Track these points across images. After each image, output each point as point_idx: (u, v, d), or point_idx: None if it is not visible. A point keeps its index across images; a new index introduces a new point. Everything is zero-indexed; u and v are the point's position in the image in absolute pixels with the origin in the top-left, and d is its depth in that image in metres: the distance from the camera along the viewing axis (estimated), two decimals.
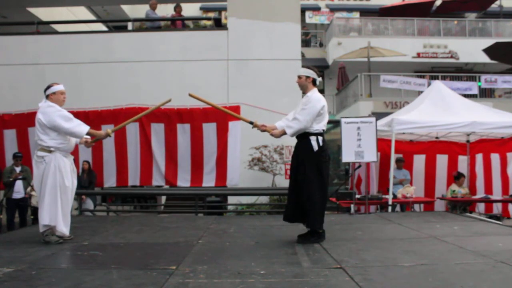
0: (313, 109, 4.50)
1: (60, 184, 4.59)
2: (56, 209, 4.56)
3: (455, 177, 8.78)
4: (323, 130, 4.65)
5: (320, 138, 4.56)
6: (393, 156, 7.75)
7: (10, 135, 8.65)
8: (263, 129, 4.78)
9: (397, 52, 16.70)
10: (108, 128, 5.29)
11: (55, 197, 4.57)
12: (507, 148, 8.61)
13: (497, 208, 8.76)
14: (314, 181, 4.47)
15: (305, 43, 19.95)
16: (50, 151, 4.62)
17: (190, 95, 5.13)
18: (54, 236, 4.60)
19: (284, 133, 4.65)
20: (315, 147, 4.52)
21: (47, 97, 4.77)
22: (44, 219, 4.54)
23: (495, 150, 8.83)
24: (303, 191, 4.51)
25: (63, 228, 4.63)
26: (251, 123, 4.83)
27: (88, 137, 4.96)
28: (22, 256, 3.98)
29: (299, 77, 4.71)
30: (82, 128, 4.69)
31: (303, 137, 4.61)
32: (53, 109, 4.66)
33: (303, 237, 4.55)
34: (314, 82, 4.69)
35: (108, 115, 8.49)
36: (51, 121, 4.60)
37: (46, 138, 4.62)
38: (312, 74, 4.68)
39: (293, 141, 4.79)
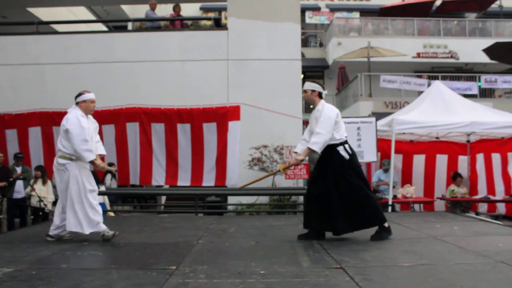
0: (329, 119, 4.55)
1: (85, 190, 4.63)
2: (84, 215, 4.61)
3: (452, 177, 8.80)
4: (346, 137, 4.68)
5: (347, 146, 4.63)
6: (393, 157, 7.75)
7: (11, 135, 8.67)
8: (289, 165, 4.89)
9: (397, 52, 16.68)
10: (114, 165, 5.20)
11: (82, 204, 4.62)
12: (508, 148, 8.61)
13: (498, 210, 8.76)
14: (360, 185, 4.56)
15: (305, 43, 19.94)
16: (71, 159, 4.63)
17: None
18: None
19: (310, 152, 4.63)
20: (346, 156, 4.59)
21: (77, 104, 4.77)
22: (75, 226, 4.62)
23: (495, 150, 8.84)
24: (353, 199, 4.51)
25: (91, 229, 4.65)
26: (277, 172, 5.07)
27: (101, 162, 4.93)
28: (22, 256, 3.98)
29: (305, 91, 4.78)
30: (88, 154, 4.59)
31: (330, 149, 4.61)
32: (79, 130, 4.55)
33: (376, 236, 4.60)
34: (320, 95, 4.75)
35: (108, 115, 8.51)
36: (71, 134, 4.57)
37: (68, 145, 4.62)
38: (317, 87, 4.74)
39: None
